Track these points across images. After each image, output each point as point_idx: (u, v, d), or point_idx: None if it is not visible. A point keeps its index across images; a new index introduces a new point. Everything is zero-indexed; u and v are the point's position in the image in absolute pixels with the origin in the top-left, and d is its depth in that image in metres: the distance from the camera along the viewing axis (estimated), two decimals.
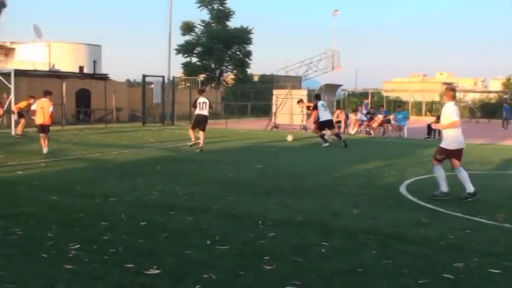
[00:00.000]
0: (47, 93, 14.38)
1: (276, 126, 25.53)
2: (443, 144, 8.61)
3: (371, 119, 23.35)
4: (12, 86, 20.13)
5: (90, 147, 15.64)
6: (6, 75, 20.96)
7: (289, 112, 25.46)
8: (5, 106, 21.00)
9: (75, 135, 20.18)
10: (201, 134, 15.24)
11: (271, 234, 6.03)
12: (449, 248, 5.65)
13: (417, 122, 30.12)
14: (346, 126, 24.11)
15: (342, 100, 42.67)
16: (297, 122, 25.40)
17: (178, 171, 11.03)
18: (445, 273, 4.83)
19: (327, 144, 17.03)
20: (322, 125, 17.57)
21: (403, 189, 9.19)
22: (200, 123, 15.39)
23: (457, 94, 45.82)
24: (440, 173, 8.47)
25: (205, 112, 15.41)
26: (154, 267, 4.81)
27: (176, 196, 8.23)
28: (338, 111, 25.20)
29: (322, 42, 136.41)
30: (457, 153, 8.51)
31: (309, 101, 22.65)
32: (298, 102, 21.96)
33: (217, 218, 6.83)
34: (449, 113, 8.47)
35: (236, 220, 6.76)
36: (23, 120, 19.10)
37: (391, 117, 23.13)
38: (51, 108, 14.16)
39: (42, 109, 14.05)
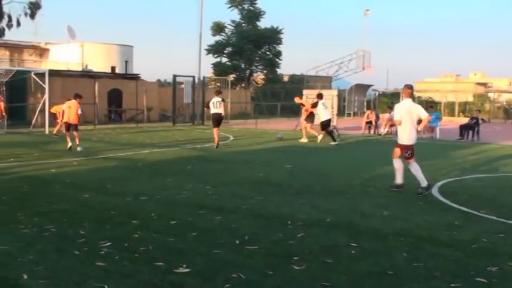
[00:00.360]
0: (77, 96, 15.05)
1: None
2: (405, 142, 8.99)
3: None
4: (46, 86, 20.57)
5: (122, 146, 15.86)
6: (41, 75, 21.42)
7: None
8: (39, 105, 21.45)
9: (107, 134, 20.48)
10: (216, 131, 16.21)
11: (301, 235, 6.02)
12: (483, 252, 5.54)
13: (450, 123, 29.62)
14: (377, 126, 23.86)
15: (373, 100, 42.34)
16: None
17: (208, 170, 11.08)
18: (477, 277, 4.74)
19: (337, 142, 17.62)
20: (324, 124, 18.15)
21: (434, 191, 9.04)
22: (219, 121, 16.25)
23: (492, 94, 44.65)
24: (416, 168, 8.85)
25: (221, 110, 16.30)
26: (184, 265, 4.84)
27: (206, 196, 8.28)
28: (368, 112, 24.96)
29: (353, 42, 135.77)
30: (403, 147, 9.01)
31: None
32: (295, 97, 22.00)
33: (247, 218, 6.85)
34: (397, 110, 9.06)
35: (265, 220, 6.76)
36: (59, 121, 19.50)
37: None
38: (79, 111, 14.80)
39: (69, 108, 14.78)
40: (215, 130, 16.14)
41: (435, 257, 5.29)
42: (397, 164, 9.09)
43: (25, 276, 4.51)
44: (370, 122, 23.91)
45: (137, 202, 7.72)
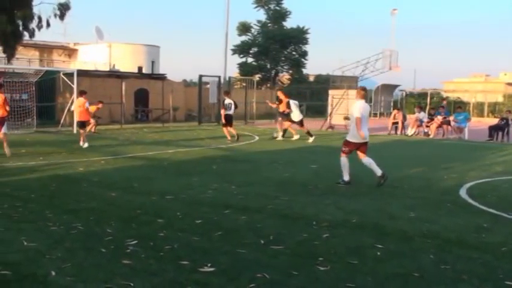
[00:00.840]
0: (82, 93, 16.11)
1: (331, 127, 25.34)
2: (347, 137, 9.73)
3: (430, 120, 22.77)
4: (75, 86, 20.88)
5: (148, 145, 16.01)
6: (70, 75, 21.76)
7: (345, 112, 25.20)
8: (68, 105, 21.79)
9: (133, 133, 20.68)
10: (232, 129, 18.09)
11: (326, 235, 5.99)
12: None
13: (479, 124, 29.13)
14: (404, 127, 23.60)
15: (400, 100, 41.91)
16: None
17: (233, 170, 11.11)
18: (507, 280, 4.66)
19: (297, 137, 18.68)
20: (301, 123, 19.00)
21: (463, 192, 8.91)
22: (230, 121, 18.13)
23: None
24: (344, 163, 9.55)
25: (231, 112, 18.18)
26: (209, 265, 4.86)
27: (231, 195, 8.30)
28: (395, 112, 24.71)
29: (379, 41, 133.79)
30: (360, 146, 9.59)
31: None
32: (278, 90, 22.20)
33: (272, 218, 6.84)
34: (353, 110, 9.60)
35: (290, 220, 6.75)
36: (92, 121, 19.89)
37: (451, 118, 22.48)
38: (87, 104, 15.68)
39: (80, 107, 15.77)
40: (226, 129, 18.13)
41: (463, 260, 5.20)
42: (367, 160, 9.62)
43: (53, 273, 4.58)
44: (396, 123, 23.66)
45: (163, 201, 7.78)
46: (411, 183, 9.87)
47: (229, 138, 17.79)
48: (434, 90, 44.76)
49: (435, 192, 9.04)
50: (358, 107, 9.47)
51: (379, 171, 9.39)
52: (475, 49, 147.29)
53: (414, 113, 24.92)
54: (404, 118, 24.19)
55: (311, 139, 18.29)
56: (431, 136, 22.00)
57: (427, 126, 22.74)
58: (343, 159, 9.55)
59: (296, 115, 18.95)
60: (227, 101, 18.14)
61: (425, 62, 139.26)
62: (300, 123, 19.07)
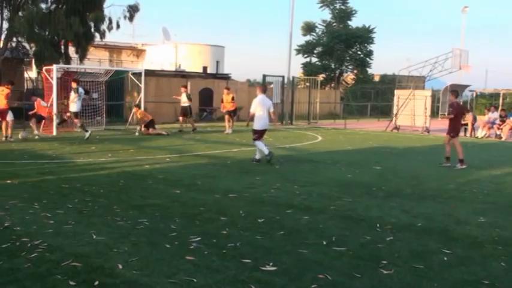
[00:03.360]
0: (37, 96, 18.88)
1: (396, 128, 24.79)
2: (253, 126, 12.09)
3: (502, 122, 21.83)
4: (142, 85, 21.46)
5: (212, 144, 16.22)
6: (137, 75, 22.40)
7: (411, 113, 24.60)
8: (134, 103, 22.43)
9: (198, 132, 21.02)
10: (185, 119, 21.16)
11: (390, 238, 5.86)
12: None
13: None
14: (474, 129, 22.74)
15: (469, 101, 40.47)
16: (419, 123, 24.47)
17: (296, 170, 11.07)
18: None
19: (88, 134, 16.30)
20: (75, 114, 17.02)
21: None
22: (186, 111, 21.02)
23: None
24: (260, 145, 11.84)
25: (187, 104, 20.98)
26: (271, 264, 4.86)
27: (293, 195, 8.28)
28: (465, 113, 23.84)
29: (449, 40, 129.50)
30: (263, 132, 12.14)
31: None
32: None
33: (334, 219, 6.77)
34: (253, 104, 12.08)
35: (353, 222, 6.65)
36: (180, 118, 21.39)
37: None
38: (42, 102, 17.91)
39: (40, 105, 17.89)
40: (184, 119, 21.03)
41: None
42: (261, 144, 11.83)
43: (120, 266, 4.72)
44: (466, 124, 22.83)
45: (226, 199, 7.86)
46: (481, 186, 9.49)
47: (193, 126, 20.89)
48: (507, 90, 42.80)
49: (507, 196, 8.66)
50: (255, 102, 11.99)
51: (258, 156, 11.85)
52: None
53: (485, 114, 23.96)
54: (475, 119, 23.31)
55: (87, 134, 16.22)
56: (503, 139, 21.08)
57: (498, 129, 21.82)
58: (258, 143, 11.82)
59: (74, 104, 16.68)
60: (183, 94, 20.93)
61: (498, 62, 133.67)
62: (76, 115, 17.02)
